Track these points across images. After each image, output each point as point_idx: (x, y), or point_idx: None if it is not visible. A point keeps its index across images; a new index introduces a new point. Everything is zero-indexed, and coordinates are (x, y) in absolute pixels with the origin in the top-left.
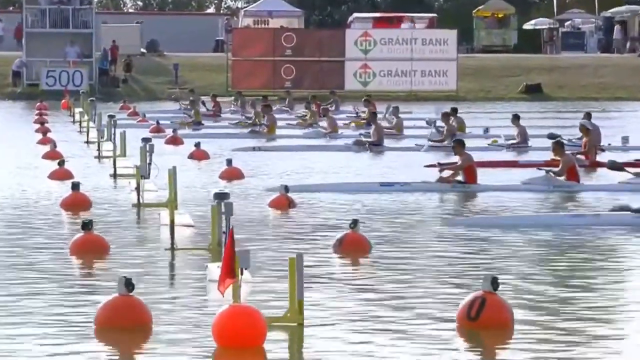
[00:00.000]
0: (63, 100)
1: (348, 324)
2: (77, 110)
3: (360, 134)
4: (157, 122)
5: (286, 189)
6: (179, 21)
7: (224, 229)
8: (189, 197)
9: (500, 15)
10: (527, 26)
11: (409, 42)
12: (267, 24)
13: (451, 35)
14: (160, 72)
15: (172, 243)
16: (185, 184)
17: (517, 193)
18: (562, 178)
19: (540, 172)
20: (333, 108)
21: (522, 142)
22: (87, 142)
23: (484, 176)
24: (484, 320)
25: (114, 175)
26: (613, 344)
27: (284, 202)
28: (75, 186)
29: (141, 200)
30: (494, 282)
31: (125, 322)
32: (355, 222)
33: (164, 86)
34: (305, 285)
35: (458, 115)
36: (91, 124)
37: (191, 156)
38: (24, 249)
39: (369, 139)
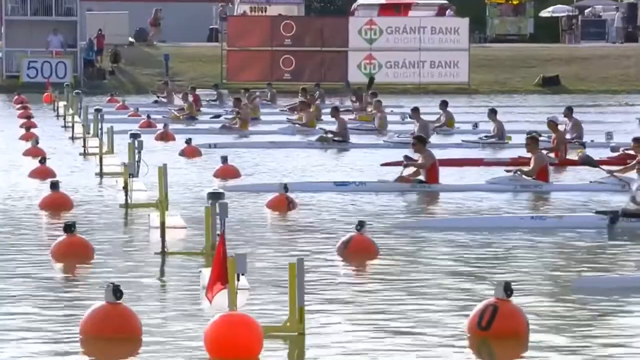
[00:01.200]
0: (45, 93)
1: (352, 333)
2: (61, 104)
3: (322, 129)
4: (148, 117)
5: (285, 188)
6: (170, 8)
7: (218, 232)
8: (180, 197)
9: (515, 2)
10: (544, 14)
11: (417, 31)
12: (265, 12)
13: (463, 23)
14: (150, 63)
15: (163, 247)
16: (177, 183)
17: (482, 193)
18: (530, 178)
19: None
20: (318, 102)
21: (498, 138)
22: (72, 137)
23: (451, 175)
24: (496, 330)
25: (100, 174)
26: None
27: (283, 203)
28: (55, 185)
29: (129, 201)
30: (507, 289)
31: (113, 332)
32: (361, 224)
33: (154, 78)
34: (306, 291)
35: (448, 109)
36: (76, 118)
37: (182, 153)
38: (0, 254)
39: (333, 135)
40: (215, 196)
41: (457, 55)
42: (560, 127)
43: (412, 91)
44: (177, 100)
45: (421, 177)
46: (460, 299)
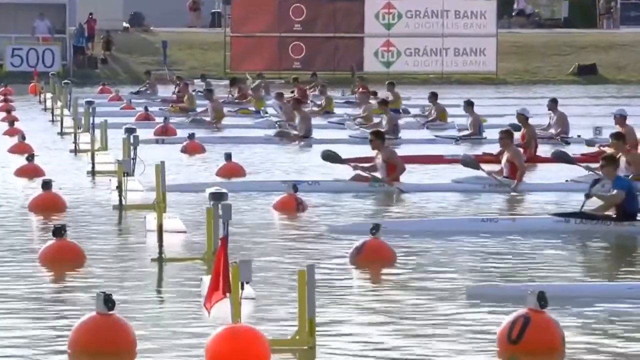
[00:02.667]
0: (31, 84)
1: (367, 347)
2: (48, 95)
3: (277, 123)
4: (146, 109)
5: (294, 188)
6: None
7: (221, 236)
8: (180, 197)
9: None
10: None
11: (440, 15)
12: None
13: (490, 6)
14: (146, 51)
15: (160, 252)
16: (177, 182)
17: (446, 193)
18: (500, 177)
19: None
20: (317, 93)
21: (475, 133)
22: (61, 133)
23: (417, 173)
24: (528, 343)
25: (93, 172)
26: None
27: (291, 204)
28: (47, 185)
29: (124, 202)
30: (541, 298)
31: (105, 346)
32: (376, 227)
33: (150, 67)
34: (317, 302)
35: (438, 102)
36: (65, 111)
37: (184, 149)
38: None
39: (293, 130)
40: (217, 197)
41: (484, 41)
42: (544, 121)
43: (434, 81)
44: (164, 92)
45: (378, 175)
46: (492, 311)
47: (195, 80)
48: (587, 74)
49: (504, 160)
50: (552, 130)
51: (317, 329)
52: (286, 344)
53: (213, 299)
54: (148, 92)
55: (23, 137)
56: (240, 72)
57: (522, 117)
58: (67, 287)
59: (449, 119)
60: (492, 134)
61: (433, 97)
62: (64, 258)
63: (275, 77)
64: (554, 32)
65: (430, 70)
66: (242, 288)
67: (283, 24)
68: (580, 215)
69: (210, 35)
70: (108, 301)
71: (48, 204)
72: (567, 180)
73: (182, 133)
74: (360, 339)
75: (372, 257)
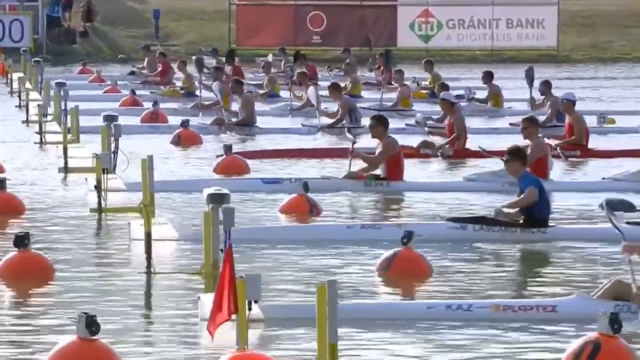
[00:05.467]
0: None
1: None
2: (16, 75)
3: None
4: (133, 92)
5: (306, 187)
6: None
7: (222, 246)
8: (172, 199)
9: None
10: None
11: None
12: None
13: None
14: (134, 22)
15: (149, 265)
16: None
17: (458, 194)
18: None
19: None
20: (343, 74)
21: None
22: (27, 121)
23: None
24: None
25: (65, 169)
26: None
27: (303, 207)
28: (0, 184)
29: (103, 204)
30: (615, 322)
31: None
32: (409, 235)
33: (140, 42)
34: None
35: (493, 82)
36: (35, 95)
37: (176, 140)
38: None
39: (235, 118)
40: (217, 198)
41: (543, 11)
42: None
43: (483, 59)
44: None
45: (378, 172)
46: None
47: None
48: None
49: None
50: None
51: (339, 355)
52: None
53: (217, 321)
54: (145, 72)
55: None
56: (248, 47)
57: (446, 102)
58: (34, 307)
59: (506, 104)
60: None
61: (487, 76)
62: (30, 273)
63: (291, 53)
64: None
65: (477, 45)
66: (250, 308)
67: None
68: (480, 220)
69: (211, 3)
70: (91, 324)
71: (2, 206)
72: (603, 179)
73: (174, 121)
74: None
75: (404, 271)
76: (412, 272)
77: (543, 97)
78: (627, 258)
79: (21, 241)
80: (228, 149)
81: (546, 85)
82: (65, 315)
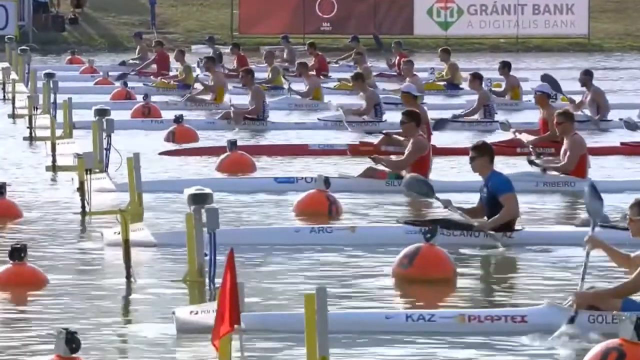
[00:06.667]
0: None
1: None
2: (0, 65)
3: (232, 105)
4: (125, 85)
5: (327, 182)
6: None
7: (206, 251)
8: (162, 200)
9: None
10: None
11: None
12: None
13: None
14: (128, 8)
15: (128, 275)
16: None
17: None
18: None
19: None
20: (353, 64)
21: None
22: (13, 115)
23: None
24: None
25: (53, 167)
26: None
27: (322, 204)
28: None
29: (87, 207)
30: (639, 327)
31: None
32: (432, 232)
33: (135, 29)
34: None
35: (511, 74)
36: (21, 86)
37: (170, 137)
38: None
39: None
40: (199, 199)
41: None
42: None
43: (507, 47)
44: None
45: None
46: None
47: (194, 47)
48: None
49: (562, 151)
50: (587, 111)
51: None
52: None
53: (221, 332)
54: (139, 62)
55: None
56: (252, 35)
57: (409, 95)
58: (18, 323)
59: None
60: None
61: (505, 67)
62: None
63: (300, 42)
64: None
65: (501, 33)
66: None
67: None
68: (440, 223)
69: None
70: (72, 340)
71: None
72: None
73: (167, 115)
74: None
75: (427, 270)
76: (435, 270)
77: (583, 88)
78: (588, 250)
79: (17, 253)
80: (232, 144)
81: (588, 76)
82: (45, 331)
